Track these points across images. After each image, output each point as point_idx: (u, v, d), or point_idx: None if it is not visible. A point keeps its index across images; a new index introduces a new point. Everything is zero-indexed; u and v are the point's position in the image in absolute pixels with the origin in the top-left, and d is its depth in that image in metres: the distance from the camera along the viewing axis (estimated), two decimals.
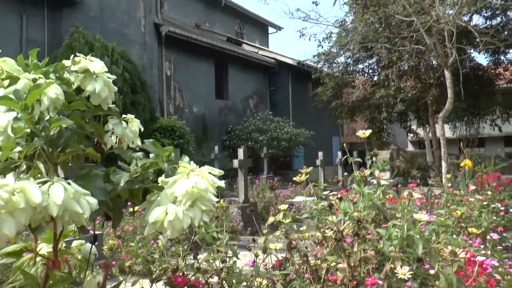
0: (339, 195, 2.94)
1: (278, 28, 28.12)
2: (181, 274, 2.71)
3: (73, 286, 1.41)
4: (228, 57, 18.75)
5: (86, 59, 1.33)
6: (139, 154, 1.27)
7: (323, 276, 2.42)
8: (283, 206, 2.98)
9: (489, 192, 6.82)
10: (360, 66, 18.63)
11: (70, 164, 1.21)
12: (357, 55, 17.31)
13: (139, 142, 1.44)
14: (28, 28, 11.23)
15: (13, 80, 1.19)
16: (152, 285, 2.65)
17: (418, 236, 2.05)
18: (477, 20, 16.30)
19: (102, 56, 10.14)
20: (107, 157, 1.41)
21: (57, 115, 1.17)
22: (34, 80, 1.19)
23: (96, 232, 1.50)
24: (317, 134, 20.04)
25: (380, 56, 16.28)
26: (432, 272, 2.27)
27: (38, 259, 1.33)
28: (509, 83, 17.88)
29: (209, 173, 1.21)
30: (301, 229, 2.95)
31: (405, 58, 14.45)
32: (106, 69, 1.34)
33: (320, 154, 12.86)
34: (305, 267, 2.57)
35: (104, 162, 1.37)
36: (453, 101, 10.36)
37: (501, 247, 3.76)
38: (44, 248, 1.41)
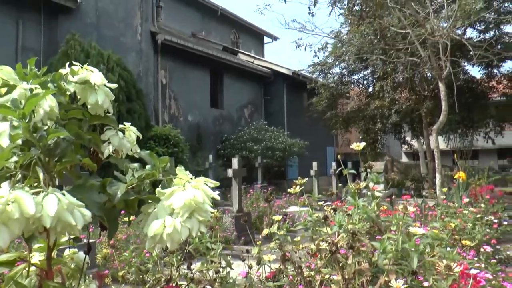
0: (333, 206, 2.94)
1: (274, 38, 28.25)
2: (174, 284, 2.69)
3: None
4: (224, 66, 18.80)
5: (83, 68, 1.33)
6: (135, 165, 1.26)
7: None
8: (277, 217, 2.97)
9: (483, 205, 6.85)
10: (355, 77, 18.74)
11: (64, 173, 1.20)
12: (352, 66, 17.40)
13: (137, 149, 1.44)
14: (24, 35, 11.23)
15: (10, 88, 1.19)
16: None
17: (413, 250, 2.04)
18: (471, 33, 16.46)
19: (98, 64, 10.14)
20: (102, 165, 1.40)
21: (54, 124, 1.17)
22: (31, 90, 1.19)
23: (90, 241, 1.49)
24: (312, 144, 20.07)
25: (375, 67, 16.39)
26: (426, 284, 2.27)
27: (31, 268, 1.32)
28: (502, 96, 18.03)
29: (205, 182, 1.21)
30: (295, 239, 2.94)
31: (399, 70, 14.54)
32: (106, 81, 1.34)
33: (315, 164, 12.87)
34: (299, 278, 2.56)
35: (99, 169, 1.36)
36: (447, 113, 10.42)
37: (495, 260, 3.77)
38: (36, 256, 1.40)
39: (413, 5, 10.74)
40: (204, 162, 14.67)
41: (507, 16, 13.87)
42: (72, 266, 1.52)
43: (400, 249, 2.09)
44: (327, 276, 2.43)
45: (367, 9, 12.72)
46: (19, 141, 1.06)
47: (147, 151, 1.30)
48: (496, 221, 6.42)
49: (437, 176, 10.01)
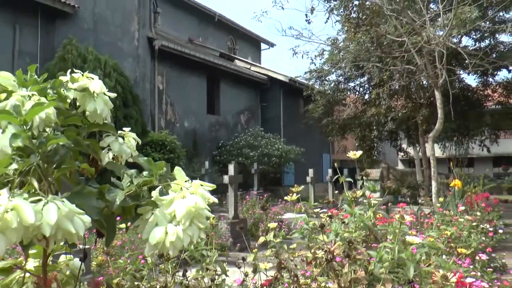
0: (329, 213, 2.94)
1: (271, 44, 28.33)
2: None
3: None
4: (221, 72, 18.83)
5: (83, 75, 1.33)
6: (133, 171, 1.26)
7: None
8: (273, 225, 2.97)
9: (478, 213, 6.86)
10: (352, 84, 18.79)
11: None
12: (349, 73, 17.46)
13: (137, 153, 1.44)
14: (21, 39, 11.22)
15: (8, 94, 1.19)
16: None
17: (409, 259, 2.04)
18: (467, 42, 16.57)
19: (95, 69, 10.14)
20: (99, 171, 1.40)
21: (52, 131, 1.17)
22: (29, 96, 1.18)
23: (86, 247, 1.48)
24: (308, 151, 20.09)
25: (372, 75, 16.44)
26: None
27: (27, 275, 1.31)
28: (498, 105, 18.13)
29: (201, 185, 1.21)
30: (291, 246, 2.93)
31: (396, 78, 14.60)
32: (106, 89, 1.34)
33: (311, 171, 12.87)
34: (295, 286, 2.55)
35: (96, 175, 1.36)
36: (443, 121, 10.46)
37: (491, 269, 3.77)
38: (31, 262, 1.39)
39: (410, 13, 10.81)
40: (200, 168, 14.66)
41: (502, 25, 14.00)
42: (67, 272, 1.51)
43: (397, 258, 2.09)
44: (323, 284, 2.42)
45: (364, 17, 12.80)
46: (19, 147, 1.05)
47: (145, 158, 1.30)
48: (491, 229, 6.45)
49: (433, 183, 10.03)
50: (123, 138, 1.42)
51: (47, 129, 1.17)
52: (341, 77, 18.15)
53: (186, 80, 16.96)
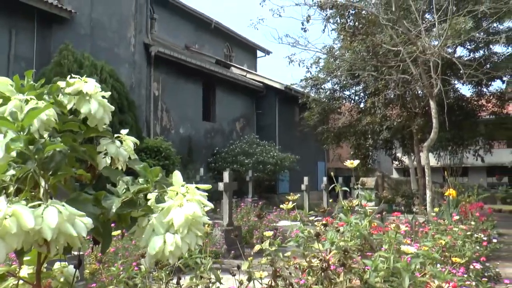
0: (324, 222, 2.94)
1: (267, 52, 28.42)
2: None
3: None
4: (216, 79, 18.85)
5: (80, 79, 1.33)
6: (128, 178, 1.26)
7: None
8: (268, 233, 2.96)
9: (473, 222, 6.88)
10: (347, 92, 18.86)
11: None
12: (344, 82, 17.53)
13: (136, 157, 1.43)
14: (17, 44, 11.20)
15: (5, 100, 1.18)
16: None
17: (404, 269, 2.04)
18: (461, 52, 16.71)
19: (91, 75, 10.12)
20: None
21: (48, 138, 1.16)
22: (27, 101, 1.18)
23: (80, 253, 1.47)
24: (303, 159, 20.10)
25: (367, 83, 16.51)
26: None
27: (20, 282, 1.30)
28: (492, 115, 18.23)
29: (196, 187, 1.21)
30: (286, 254, 2.92)
31: (391, 87, 14.67)
32: (100, 89, 1.33)
33: (306, 179, 12.87)
34: None
35: (92, 181, 1.35)
36: (437, 130, 10.51)
37: (485, 279, 3.78)
38: (25, 269, 1.38)
39: (405, 23, 10.89)
40: (195, 175, 14.63)
41: (496, 36, 14.12)
42: (62, 279, 1.49)
43: (392, 267, 2.09)
44: None
45: (360, 26, 12.87)
46: (14, 154, 1.05)
47: (141, 165, 1.29)
48: (485, 238, 6.47)
49: (428, 192, 10.05)
50: (121, 141, 1.42)
51: (45, 135, 1.16)
52: (336, 86, 18.22)
53: (182, 86, 16.97)
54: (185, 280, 3.08)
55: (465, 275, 3.77)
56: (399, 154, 21.06)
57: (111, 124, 1.40)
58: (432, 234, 4.75)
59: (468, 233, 5.66)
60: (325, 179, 14.03)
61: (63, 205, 0.98)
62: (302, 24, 12.03)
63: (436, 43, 11.24)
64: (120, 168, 1.39)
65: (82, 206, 1.06)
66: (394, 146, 20.20)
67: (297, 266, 2.70)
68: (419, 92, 15.29)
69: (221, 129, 19.41)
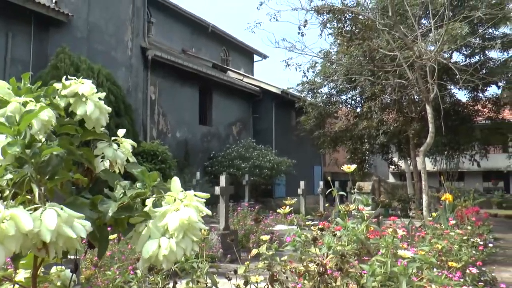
0: (320, 226, 2.94)
1: (264, 56, 28.46)
2: None
3: None
4: (213, 83, 18.86)
5: (76, 81, 1.32)
6: (126, 182, 1.25)
7: None
8: (265, 237, 2.96)
9: (469, 227, 6.89)
10: (343, 97, 18.91)
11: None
12: (341, 86, 17.57)
13: (134, 159, 1.42)
14: (13, 47, 11.17)
15: (3, 103, 1.17)
16: None
17: (401, 273, 2.04)
18: (457, 57, 16.80)
19: (88, 78, 10.07)
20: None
21: (46, 141, 1.15)
22: (25, 103, 1.17)
23: (76, 257, 1.46)
24: (299, 163, 20.10)
25: (364, 88, 16.56)
26: None
27: (16, 287, 1.29)
28: (487, 120, 18.30)
29: (195, 195, 1.20)
30: (282, 258, 2.92)
31: (388, 92, 14.72)
32: (96, 91, 1.33)
33: (302, 183, 12.86)
34: None
35: (89, 185, 1.34)
36: (434, 135, 10.53)
37: (481, 283, 3.78)
38: (21, 273, 1.37)
39: (402, 28, 10.92)
40: (192, 178, 14.61)
41: (492, 42, 14.21)
42: (58, 284, 1.49)
43: (389, 272, 2.08)
44: None
45: (357, 31, 12.92)
46: (12, 158, 1.04)
47: (139, 169, 1.29)
48: (481, 243, 6.48)
49: (424, 197, 10.06)
50: (118, 144, 1.41)
51: (42, 138, 1.15)
52: (333, 90, 18.26)
53: (178, 90, 16.96)
54: (181, 285, 3.06)
55: (462, 280, 3.77)
56: (395, 159, 21.10)
57: (108, 127, 1.39)
58: (428, 238, 4.75)
59: (465, 237, 5.66)
60: (321, 183, 14.03)
61: (61, 208, 0.98)
62: (299, 28, 12.05)
63: (432, 48, 11.29)
64: (117, 171, 1.38)
65: (79, 210, 1.05)
66: (390, 151, 20.25)
67: (293, 271, 2.69)
68: (415, 97, 15.35)
69: (217, 133, 19.40)
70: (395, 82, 12.97)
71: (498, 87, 17.09)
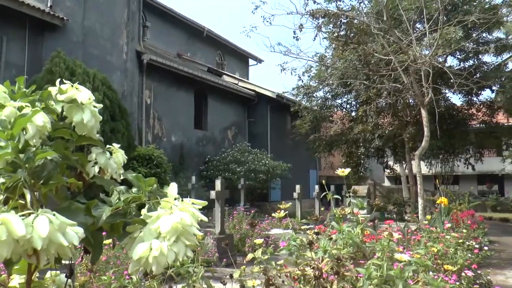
0: (316, 230, 2.94)
1: (259, 60, 28.51)
2: None
3: None
4: (208, 87, 18.86)
5: (73, 86, 1.32)
6: (122, 187, 1.24)
7: None
8: (259, 240, 2.95)
9: (464, 230, 6.92)
10: (339, 101, 18.96)
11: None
12: (336, 90, 17.60)
13: (122, 172, 1.42)
14: (8, 51, 11.13)
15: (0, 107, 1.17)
16: None
17: (398, 276, 2.04)
18: (452, 62, 16.91)
19: (84, 82, 10.07)
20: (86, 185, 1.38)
21: (40, 146, 1.15)
22: (20, 108, 1.17)
23: (71, 262, 1.45)
24: (295, 167, 20.11)
25: (359, 92, 16.60)
26: None
27: None
28: (482, 124, 18.40)
29: (192, 203, 1.20)
30: (278, 262, 2.92)
31: (383, 95, 14.76)
32: (94, 99, 1.33)
33: (298, 187, 12.87)
34: None
35: (83, 190, 1.33)
36: (429, 139, 10.58)
37: (477, 286, 3.79)
38: (16, 279, 1.36)
39: (396, 32, 10.98)
40: (187, 183, 14.57)
41: (485, 46, 14.31)
42: None
43: (385, 275, 2.08)
44: None
45: (352, 35, 12.97)
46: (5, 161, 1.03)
47: (134, 174, 1.29)
48: (477, 246, 6.50)
49: (419, 200, 10.09)
50: (111, 153, 1.40)
51: (36, 142, 1.15)
52: (328, 94, 18.29)
53: (174, 94, 16.95)
54: None
55: (457, 283, 3.78)
56: (390, 162, 21.15)
57: (103, 132, 1.39)
58: (424, 241, 4.76)
59: (460, 240, 5.68)
60: (317, 187, 14.04)
61: (54, 214, 0.97)
62: (294, 32, 12.09)
63: (427, 52, 11.35)
64: (109, 178, 1.37)
65: (74, 215, 1.05)
66: (385, 154, 20.30)
67: (288, 275, 2.69)
68: (410, 100, 15.41)
69: (213, 137, 19.39)
70: (390, 86, 13.02)
71: (492, 91, 17.21)
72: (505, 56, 17.29)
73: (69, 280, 1.49)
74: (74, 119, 1.26)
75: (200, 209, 1.22)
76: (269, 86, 24.61)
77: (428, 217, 7.73)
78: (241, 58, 27.43)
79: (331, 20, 12.88)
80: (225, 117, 20.13)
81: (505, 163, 20.64)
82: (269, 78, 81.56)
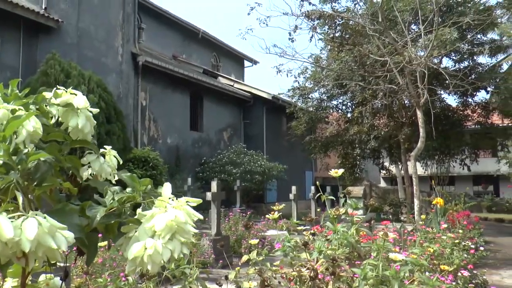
0: (312, 231, 2.94)
1: (254, 62, 28.51)
2: None
3: None
4: (204, 89, 18.85)
5: (67, 92, 1.31)
6: (116, 188, 1.24)
7: None
8: (254, 241, 2.96)
9: (460, 230, 6.94)
10: (334, 102, 18.97)
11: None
12: (332, 91, 17.62)
13: (116, 176, 1.41)
14: (2, 53, 11.08)
15: None
16: None
17: (393, 276, 2.04)
18: (447, 63, 16.94)
19: (79, 84, 10.05)
20: (80, 187, 1.37)
21: (34, 148, 1.14)
22: (13, 111, 1.16)
23: (66, 265, 1.44)
24: (290, 168, 20.11)
25: (354, 93, 16.62)
26: None
27: None
28: (477, 125, 18.46)
29: (186, 202, 1.19)
30: (274, 264, 2.92)
31: (378, 97, 14.78)
32: (89, 104, 1.32)
33: (294, 188, 12.86)
34: None
35: (78, 192, 1.33)
36: (424, 140, 10.60)
37: (472, 285, 3.80)
38: (9, 282, 1.35)
39: (392, 33, 11.01)
40: (183, 184, 14.55)
41: (480, 48, 14.36)
42: None
43: (381, 275, 2.08)
44: None
45: (347, 36, 12.99)
46: None
47: (128, 174, 1.28)
48: (473, 246, 6.52)
49: (415, 201, 10.11)
50: (104, 156, 1.40)
51: (29, 146, 1.14)
52: (324, 95, 18.31)
53: (169, 96, 16.94)
54: None
55: (454, 283, 3.79)
56: (386, 163, 21.18)
57: (98, 134, 1.39)
58: (420, 242, 4.77)
59: (456, 241, 5.70)
60: (313, 188, 14.04)
61: (44, 217, 0.96)
62: (290, 34, 12.10)
63: (422, 53, 11.38)
64: (104, 179, 1.37)
65: (68, 217, 1.04)
66: (381, 155, 20.32)
67: (284, 276, 2.69)
68: (406, 102, 15.45)
69: (208, 138, 19.38)
70: (385, 87, 13.05)
71: (487, 92, 17.27)
72: (500, 57, 17.38)
73: (63, 283, 1.48)
74: (70, 123, 1.26)
75: (195, 210, 1.22)
76: (265, 88, 24.67)
77: (423, 217, 7.75)
78: (237, 60, 27.43)
79: (326, 21, 12.91)
80: (220, 118, 20.13)
81: (500, 164, 20.71)
82: (265, 79, 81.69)
